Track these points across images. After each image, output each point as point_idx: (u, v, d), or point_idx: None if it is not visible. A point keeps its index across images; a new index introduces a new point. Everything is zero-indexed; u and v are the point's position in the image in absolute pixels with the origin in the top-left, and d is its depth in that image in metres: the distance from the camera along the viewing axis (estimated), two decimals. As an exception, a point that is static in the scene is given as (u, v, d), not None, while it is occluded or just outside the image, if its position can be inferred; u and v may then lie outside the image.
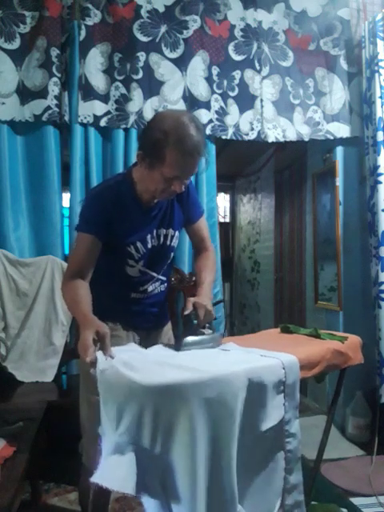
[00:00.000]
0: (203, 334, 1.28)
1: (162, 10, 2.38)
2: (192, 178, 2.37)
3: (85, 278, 1.31)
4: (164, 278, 1.50)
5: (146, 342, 1.41)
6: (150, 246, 1.39)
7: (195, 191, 1.52)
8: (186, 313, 1.27)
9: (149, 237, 1.39)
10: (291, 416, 1.14)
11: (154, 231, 1.40)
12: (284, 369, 1.11)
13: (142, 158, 1.25)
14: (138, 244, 1.37)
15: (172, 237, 1.44)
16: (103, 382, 1.01)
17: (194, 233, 1.54)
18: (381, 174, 2.37)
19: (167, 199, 1.38)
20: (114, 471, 0.93)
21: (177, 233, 1.46)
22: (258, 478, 1.10)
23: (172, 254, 1.50)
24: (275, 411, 1.10)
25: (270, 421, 1.09)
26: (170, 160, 1.19)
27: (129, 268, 1.40)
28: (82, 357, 1.03)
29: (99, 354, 1.04)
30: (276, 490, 1.13)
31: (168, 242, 1.44)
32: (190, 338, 1.25)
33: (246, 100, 2.49)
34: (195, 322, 1.28)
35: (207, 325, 1.31)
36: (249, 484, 1.09)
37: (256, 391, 1.04)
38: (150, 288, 1.46)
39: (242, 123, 2.48)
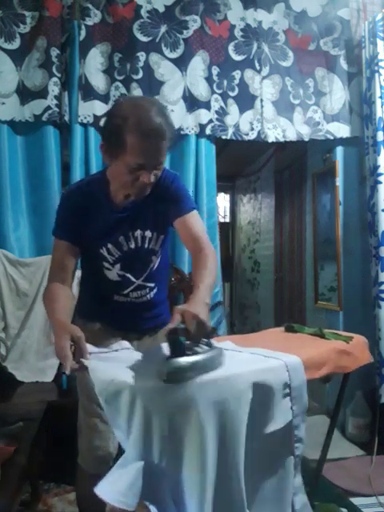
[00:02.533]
0: (197, 352, 0.98)
1: (162, 9, 2.38)
2: (192, 178, 2.42)
3: (65, 282, 1.27)
4: (152, 285, 1.39)
5: (139, 346, 1.36)
6: (125, 248, 1.31)
7: (183, 187, 1.36)
8: (171, 326, 0.96)
9: (122, 238, 1.30)
10: (300, 421, 1.12)
11: (129, 233, 1.30)
12: (288, 371, 1.08)
13: (104, 150, 1.18)
14: (110, 246, 1.30)
15: (150, 239, 1.33)
16: (97, 383, 0.97)
17: (183, 229, 1.29)
18: (381, 174, 2.37)
19: (142, 195, 1.24)
20: (115, 484, 0.92)
21: (155, 234, 1.33)
22: (268, 484, 1.08)
23: (155, 258, 1.37)
24: (281, 415, 1.07)
25: (275, 424, 1.06)
26: (131, 146, 1.10)
27: (106, 271, 1.34)
28: (63, 365, 0.98)
29: (92, 360, 1.01)
30: (287, 496, 1.11)
31: (146, 245, 1.33)
32: (183, 362, 0.92)
33: (246, 100, 2.49)
34: (182, 339, 0.95)
35: (203, 340, 1.01)
36: (258, 490, 1.07)
37: (261, 394, 1.02)
38: (135, 294, 1.37)
39: (242, 123, 2.48)
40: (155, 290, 1.41)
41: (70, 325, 1.07)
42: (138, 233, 1.31)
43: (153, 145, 1.11)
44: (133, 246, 1.31)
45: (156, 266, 1.38)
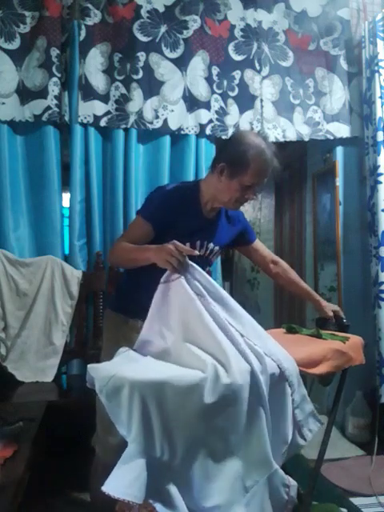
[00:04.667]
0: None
1: (162, 9, 2.38)
2: (192, 178, 2.41)
3: None
4: None
5: None
6: (196, 253, 1.46)
7: (246, 220, 1.79)
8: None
9: (198, 243, 1.52)
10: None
11: (205, 241, 1.54)
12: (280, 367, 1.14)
13: (222, 169, 1.43)
14: (187, 244, 1.45)
15: (214, 252, 1.61)
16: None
17: (254, 252, 1.78)
18: (381, 174, 2.37)
19: (236, 209, 1.61)
20: (121, 479, 0.94)
21: (218, 249, 1.62)
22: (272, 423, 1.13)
23: (207, 268, 1.64)
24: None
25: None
26: (253, 168, 1.40)
27: None
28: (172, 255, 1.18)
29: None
30: (287, 422, 1.18)
31: (210, 256, 1.60)
32: None
33: (246, 100, 2.48)
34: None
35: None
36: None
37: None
38: None
39: (242, 123, 2.48)
40: None
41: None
42: (211, 244, 1.57)
43: (267, 171, 1.45)
44: (202, 252, 1.55)
45: (206, 271, 1.62)
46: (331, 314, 1.63)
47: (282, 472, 1.13)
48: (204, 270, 1.53)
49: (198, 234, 1.53)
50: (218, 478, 1.02)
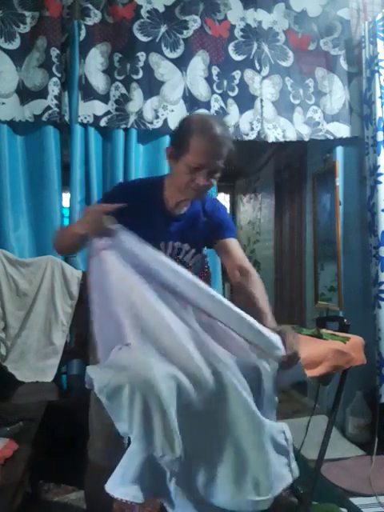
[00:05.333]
0: None
1: (162, 9, 2.38)
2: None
3: None
4: None
5: None
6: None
7: (229, 217, 1.54)
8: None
9: (163, 244, 1.39)
10: None
11: (169, 242, 1.39)
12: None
13: (169, 152, 1.31)
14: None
15: (185, 252, 1.43)
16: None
17: (228, 252, 1.43)
18: (381, 174, 2.38)
19: (194, 198, 1.38)
20: (121, 479, 0.94)
21: (190, 248, 1.43)
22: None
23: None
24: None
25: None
26: (194, 146, 1.23)
27: None
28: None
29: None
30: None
31: (181, 256, 1.43)
32: None
33: (246, 100, 2.48)
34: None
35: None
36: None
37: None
38: None
39: (242, 123, 2.48)
40: None
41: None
42: (177, 244, 1.41)
43: (213, 148, 1.24)
44: (169, 253, 1.40)
45: None
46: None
47: (272, 423, 1.13)
48: None
49: (161, 233, 1.38)
50: (221, 474, 1.02)
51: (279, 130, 2.52)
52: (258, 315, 1.28)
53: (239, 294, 1.41)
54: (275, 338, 1.15)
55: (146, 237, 1.30)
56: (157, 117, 2.35)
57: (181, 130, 1.29)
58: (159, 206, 1.38)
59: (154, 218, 1.36)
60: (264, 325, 1.23)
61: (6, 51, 2.23)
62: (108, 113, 2.31)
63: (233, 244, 1.45)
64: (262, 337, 1.14)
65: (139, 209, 1.33)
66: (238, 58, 2.48)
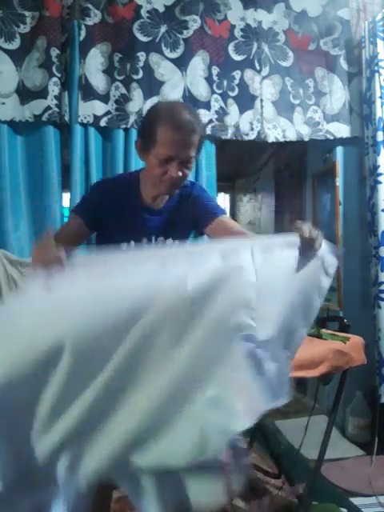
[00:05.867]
0: None
1: (162, 9, 2.37)
2: (192, 178, 2.41)
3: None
4: None
5: None
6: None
7: (210, 196, 1.46)
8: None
9: (145, 241, 1.35)
10: None
11: (152, 237, 1.35)
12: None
13: (138, 145, 1.26)
14: (133, 244, 1.33)
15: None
16: None
17: (222, 227, 1.34)
18: (381, 174, 2.37)
19: (170, 192, 1.32)
20: None
21: (175, 243, 1.39)
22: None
23: None
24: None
25: None
26: (161, 138, 1.17)
27: None
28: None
29: None
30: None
31: None
32: None
33: (246, 100, 2.48)
34: None
35: None
36: None
37: None
38: None
39: (242, 123, 2.47)
40: None
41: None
42: (160, 238, 1.36)
43: (182, 137, 1.17)
44: None
45: None
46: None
47: None
48: None
49: (143, 229, 1.34)
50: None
51: (279, 129, 2.52)
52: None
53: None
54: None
55: (127, 234, 1.31)
56: (157, 117, 2.35)
57: (147, 120, 1.23)
58: (137, 201, 1.33)
59: (133, 215, 1.32)
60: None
61: (6, 51, 2.23)
62: (108, 113, 2.31)
63: (225, 219, 1.38)
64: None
65: (118, 206, 1.30)
66: (237, 58, 2.48)
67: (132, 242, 1.32)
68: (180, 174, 1.22)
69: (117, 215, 1.30)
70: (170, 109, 1.20)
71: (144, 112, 2.32)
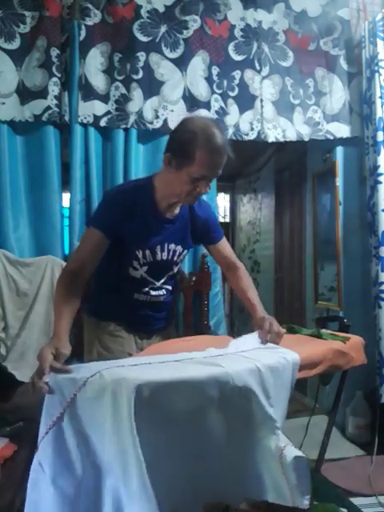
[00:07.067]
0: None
1: (162, 9, 2.37)
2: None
3: (85, 274, 1.30)
4: (168, 287, 1.52)
5: (148, 345, 1.46)
6: (158, 257, 1.41)
7: (216, 218, 1.62)
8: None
9: (159, 248, 1.41)
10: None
11: (165, 244, 1.42)
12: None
13: (169, 160, 1.30)
14: (147, 251, 1.39)
15: (179, 253, 1.48)
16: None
17: (217, 252, 1.58)
18: (381, 174, 2.37)
19: (189, 204, 1.42)
20: None
21: (183, 250, 1.49)
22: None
23: (175, 268, 1.52)
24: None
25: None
26: (199, 158, 1.23)
27: (132, 270, 1.41)
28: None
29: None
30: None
31: (175, 258, 1.47)
32: None
33: (246, 100, 2.48)
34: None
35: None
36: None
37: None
38: (154, 293, 1.47)
39: (242, 123, 2.48)
40: (168, 293, 1.53)
41: (63, 339, 1.17)
42: (172, 246, 1.44)
43: (217, 160, 1.27)
44: (165, 256, 1.43)
45: (173, 273, 1.53)
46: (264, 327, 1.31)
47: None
48: (172, 269, 1.49)
49: (158, 237, 1.40)
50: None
51: (279, 130, 2.52)
52: (248, 305, 1.46)
53: (232, 287, 1.61)
54: None
55: (143, 242, 1.36)
56: (157, 117, 2.35)
57: (183, 140, 1.26)
58: (153, 209, 1.38)
59: (150, 224, 1.37)
60: (254, 313, 1.40)
61: (6, 51, 2.23)
62: (108, 113, 2.31)
63: (223, 245, 1.58)
64: None
65: (136, 216, 1.34)
66: (237, 58, 2.48)
67: (147, 251, 1.38)
68: (208, 189, 1.33)
69: (135, 224, 1.35)
70: (209, 133, 1.24)
71: (144, 112, 2.33)
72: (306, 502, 1.04)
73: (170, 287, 1.53)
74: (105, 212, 1.36)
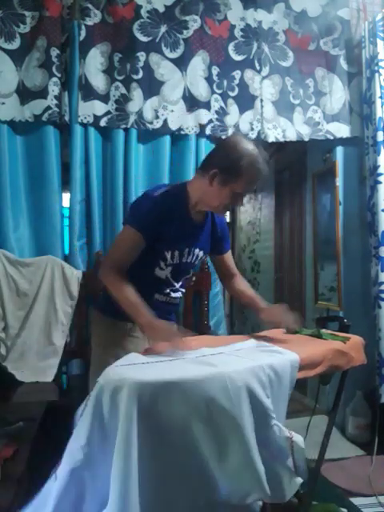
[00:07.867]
0: None
1: (162, 9, 2.37)
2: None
3: (123, 271, 1.40)
4: (183, 290, 1.61)
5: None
6: (184, 259, 1.50)
7: (226, 225, 1.72)
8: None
9: (187, 251, 1.49)
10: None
11: (192, 247, 1.51)
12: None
13: (214, 175, 1.39)
14: (176, 252, 1.46)
15: (199, 258, 1.57)
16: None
17: (223, 262, 1.68)
18: (381, 174, 2.37)
19: (223, 214, 1.63)
20: None
21: (203, 255, 1.59)
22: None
23: (191, 271, 1.62)
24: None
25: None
26: (245, 178, 1.38)
27: (158, 270, 1.48)
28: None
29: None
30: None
31: (196, 262, 1.57)
32: None
33: (246, 100, 2.48)
34: None
35: None
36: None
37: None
38: (173, 294, 1.55)
39: (242, 123, 2.48)
40: (182, 295, 1.63)
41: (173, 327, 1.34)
42: (196, 250, 1.53)
43: (257, 180, 1.44)
44: (189, 259, 1.52)
45: (189, 276, 1.63)
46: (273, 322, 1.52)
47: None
48: (189, 273, 1.60)
49: (186, 240, 1.49)
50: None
51: (279, 129, 2.52)
52: (250, 301, 1.63)
53: (232, 293, 1.76)
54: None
55: (177, 243, 1.46)
56: (157, 117, 2.35)
57: (231, 160, 1.37)
58: (186, 215, 1.47)
59: (184, 228, 1.46)
60: (257, 306, 1.56)
61: (6, 51, 2.23)
62: (108, 113, 2.31)
63: (228, 255, 1.70)
64: None
65: (173, 219, 1.43)
66: (237, 58, 2.48)
67: (176, 252, 1.47)
68: (243, 203, 1.52)
69: (172, 228, 1.43)
70: (255, 155, 1.38)
71: (144, 112, 2.33)
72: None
73: (184, 290, 1.61)
74: (146, 215, 1.41)
